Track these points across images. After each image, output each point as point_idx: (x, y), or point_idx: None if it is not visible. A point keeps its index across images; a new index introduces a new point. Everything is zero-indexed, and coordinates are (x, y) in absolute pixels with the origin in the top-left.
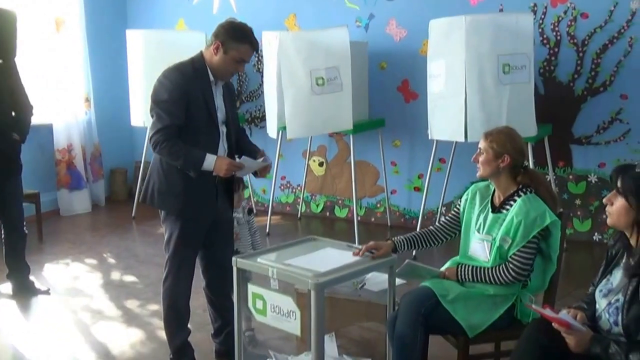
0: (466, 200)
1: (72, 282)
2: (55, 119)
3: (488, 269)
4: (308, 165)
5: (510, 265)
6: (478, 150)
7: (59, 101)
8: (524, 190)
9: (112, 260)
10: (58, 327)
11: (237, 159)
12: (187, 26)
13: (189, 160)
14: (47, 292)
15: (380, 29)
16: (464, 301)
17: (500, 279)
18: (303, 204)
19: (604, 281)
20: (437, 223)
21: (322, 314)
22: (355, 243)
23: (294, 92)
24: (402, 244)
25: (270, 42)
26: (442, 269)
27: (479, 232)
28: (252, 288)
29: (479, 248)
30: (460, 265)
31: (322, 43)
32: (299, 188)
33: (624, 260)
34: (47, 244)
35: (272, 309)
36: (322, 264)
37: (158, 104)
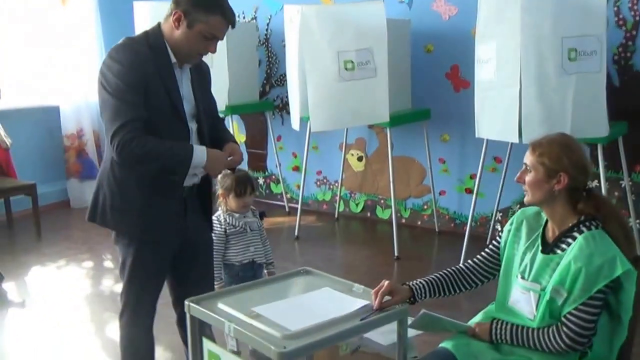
0: (509, 231)
1: (56, 291)
2: (62, 100)
3: (534, 330)
4: (345, 159)
5: (564, 329)
6: (524, 166)
7: (67, 81)
8: (588, 224)
9: (109, 265)
10: (18, 348)
11: None
12: None
13: (173, 157)
14: (21, 304)
15: (426, 5)
16: None
17: (550, 345)
18: (341, 202)
19: None
20: (473, 259)
21: None
22: (394, 251)
23: (318, 77)
24: (422, 290)
25: (292, 18)
26: (471, 322)
27: (523, 277)
28: (207, 345)
29: (523, 299)
30: (495, 322)
31: (352, 20)
32: (336, 184)
33: None
34: (44, 242)
35: None
36: (303, 317)
37: (112, 94)
